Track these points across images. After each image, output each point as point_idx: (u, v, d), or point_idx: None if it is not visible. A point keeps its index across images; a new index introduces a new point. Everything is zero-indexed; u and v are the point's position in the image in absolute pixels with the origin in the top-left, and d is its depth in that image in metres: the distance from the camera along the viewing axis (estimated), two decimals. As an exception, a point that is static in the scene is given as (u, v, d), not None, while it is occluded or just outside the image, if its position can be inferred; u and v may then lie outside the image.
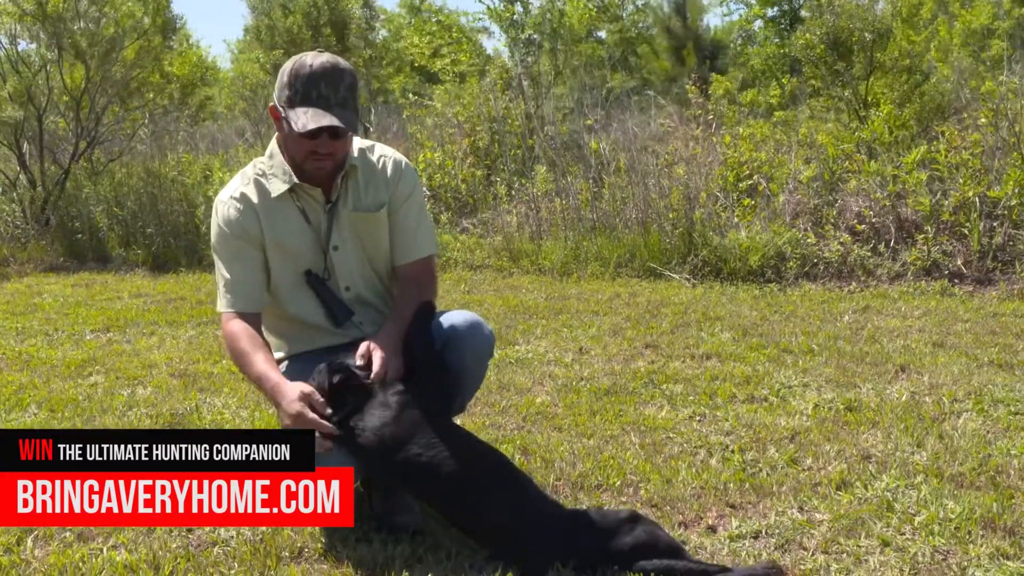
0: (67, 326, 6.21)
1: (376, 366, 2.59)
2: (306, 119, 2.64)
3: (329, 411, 2.53)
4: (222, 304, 2.83)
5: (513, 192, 9.34)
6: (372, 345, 2.65)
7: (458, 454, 2.51)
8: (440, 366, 2.76)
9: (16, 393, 4.46)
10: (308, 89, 2.66)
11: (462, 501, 2.51)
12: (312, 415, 2.51)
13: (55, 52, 10.61)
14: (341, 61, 2.76)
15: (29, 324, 6.35)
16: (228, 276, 2.82)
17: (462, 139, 10.72)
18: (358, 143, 2.92)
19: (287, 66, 2.72)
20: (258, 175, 2.85)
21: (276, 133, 2.88)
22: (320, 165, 2.75)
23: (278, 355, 2.93)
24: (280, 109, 2.72)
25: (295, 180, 2.80)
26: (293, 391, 2.54)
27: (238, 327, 2.76)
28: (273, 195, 2.82)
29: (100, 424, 3.93)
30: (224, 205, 2.83)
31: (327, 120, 2.63)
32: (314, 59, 2.71)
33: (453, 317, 2.90)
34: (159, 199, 9.72)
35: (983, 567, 2.47)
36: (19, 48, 10.91)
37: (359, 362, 2.62)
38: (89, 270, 9.29)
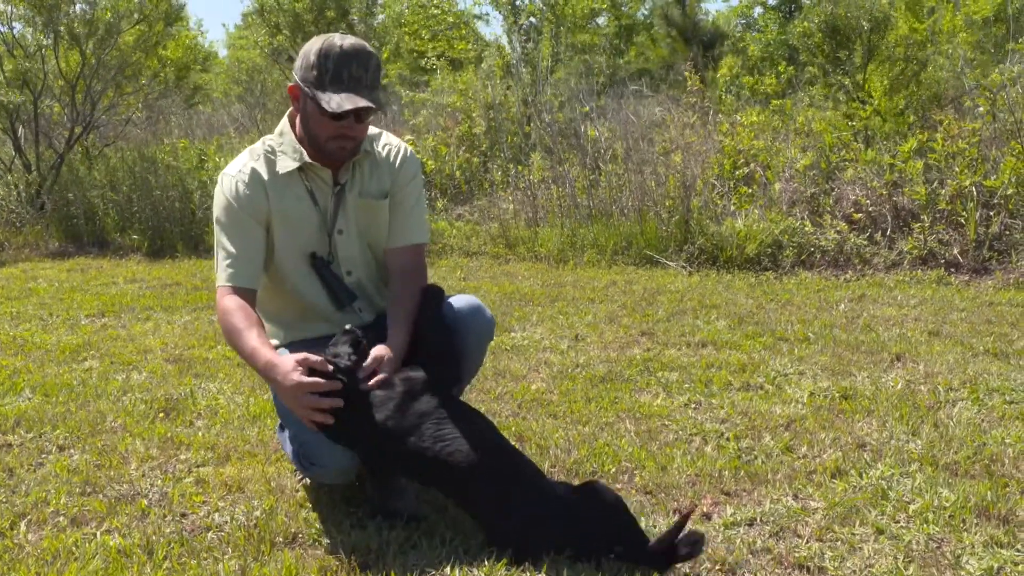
0: (62, 311, 6.20)
1: (379, 377, 2.59)
2: (340, 100, 2.63)
3: (331, 367, 2.50)
4: (221, 278, 2.80)
5: (509, 179, 9.32)
6: (384, 353, 2.63)
7: (462, 442, 2.51)
8: (450, 350, 2.76)
9: (10, 377, 4.45)
10: (339, 69, 2.65)
11: (463, 488, 2.52)
12: (310, 379, 2.48)
13: (50, 37, 10.55)
14: (367, 44, 2.76)
15: (24, 308, 6.33)
16: (231, 249, 2.78)
17: (457, 125, 10.69)
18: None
19: (314, 46, 2.70)
20: (267, 152, 2.85)
21: (288, 111, 2.87)
22: (343, 145, 2.75)
23: (273, 342, 2.91)
24: (306, 89, 2.71)
25: (306, 159, 2.79)
26: (287, 363, 2.50)
27: (232, 303, 2.72)
28: (282, 172, 2.81)
29: (95, 409, 3.92)
30: (232, 179, 2.81)
31: (362, 102, 2.63)
32: (342, 40, 2.71)
33: (456, 301, 2.91)
34: (154, 184, 9.68)
35: (977, 555, 2.47)
36: (15, 31, 10.87)
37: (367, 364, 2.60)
38: (84, 255, 9.26)
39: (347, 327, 2.68)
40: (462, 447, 2.50)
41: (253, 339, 2.63)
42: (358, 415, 2.53)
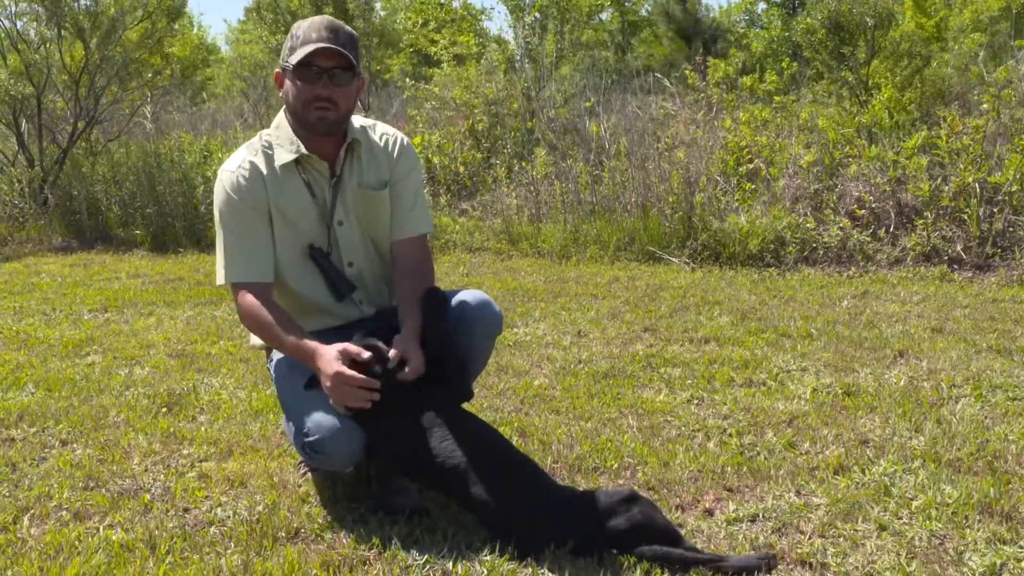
0: (65, 306, 6.20)
1: (412, 365, 2.61)
2: (304, 49, 2.68)
3: (369, 358, 2.57)
4: (233, 275, 2.77)
5: (513, 175, 9.31)
6: (408, 343, 2.65)
7: (465, 445, 2.54)
8: (454, 355, 2.76)
9: (13, 372, 4.45)
10: (308, 34, 2.72)
11: (466, 489, 2.52)
12: (351, 372, 2.54)
13: (54, 30, 10.56)
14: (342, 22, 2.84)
15: (27, 303, 6.34)
16: (238, 245, 2.77)
17: (461, 121, 10.68)
18: (359, 120, 2.92)
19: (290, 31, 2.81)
20: (264, 146, 2.85)
21: (284, 106, 2.87)
22: (322, 114, 2.73)
23: None
24: (283, 69, 2.77)
25: (302, 151, 2.79)
26: (331, 351, 2.57)
27: (251, 301, 2.72)
28: (279, 164, 2.81)
29: (97, 404, 3.93)
30: (232, 174, 2.81)
31: (326, 44, 2.67)
32: (313, 17, 2.81)
33: (464, 296, 2.91)
34: (157, 179, 9.69)
35: (980, 551, 2.47)
36: (18, 26, 10.88)
37: (392, 361, 2.62)
38: (87, 250, 9.27)
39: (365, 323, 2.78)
40: (460, 448, 2.53)
41: (290, 330, 2.69)
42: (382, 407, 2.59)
